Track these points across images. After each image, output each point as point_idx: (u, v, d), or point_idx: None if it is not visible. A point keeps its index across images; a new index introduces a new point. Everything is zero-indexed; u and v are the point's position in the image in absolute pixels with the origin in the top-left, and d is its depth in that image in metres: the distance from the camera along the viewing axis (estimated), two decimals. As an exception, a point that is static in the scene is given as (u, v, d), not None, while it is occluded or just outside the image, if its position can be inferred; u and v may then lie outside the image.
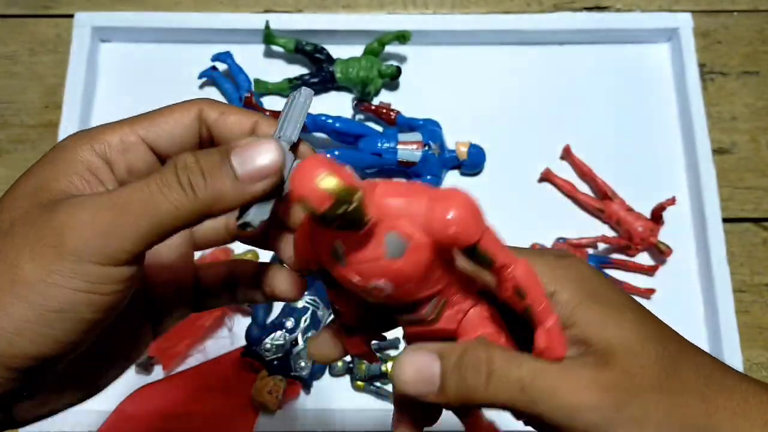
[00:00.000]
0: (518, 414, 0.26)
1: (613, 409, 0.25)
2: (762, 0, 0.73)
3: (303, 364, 0.56)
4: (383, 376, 0.57)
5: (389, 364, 0.57)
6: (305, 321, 0.57)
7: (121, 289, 0.24)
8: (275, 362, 0.55)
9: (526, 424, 0.27)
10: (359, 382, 0.57)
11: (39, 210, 0.24)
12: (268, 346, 0.56)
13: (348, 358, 0.58)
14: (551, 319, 0.26)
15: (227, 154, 0.25)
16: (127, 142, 0.27)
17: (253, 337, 0.56)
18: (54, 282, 0.23)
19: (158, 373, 0.58)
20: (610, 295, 0.28)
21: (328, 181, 0.21)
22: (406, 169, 0.63)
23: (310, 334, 0.57)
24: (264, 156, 0.25)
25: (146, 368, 0.57)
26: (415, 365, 0.26)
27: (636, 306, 0.28)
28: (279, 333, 0.56)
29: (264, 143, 0.25)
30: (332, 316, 0.60)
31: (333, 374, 0.58)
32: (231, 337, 0.59)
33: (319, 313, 0.58)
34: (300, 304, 0.57)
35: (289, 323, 0.56)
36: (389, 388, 0.58)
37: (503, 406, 0.26)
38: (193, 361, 0.58)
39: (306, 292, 0.58)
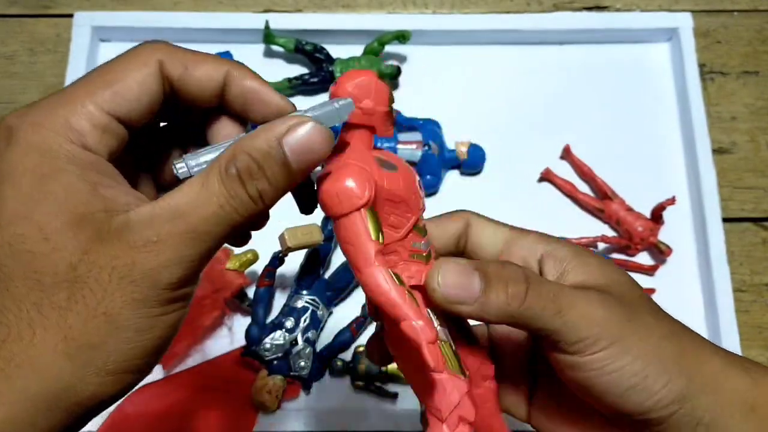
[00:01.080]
0: (538, 333, 0.28)
1: (624, 319, 0.28)
2: (762, 0, 0.73)
3: (303, 364, 0.56)
4: (383, 376, 0.57)
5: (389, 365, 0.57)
6: (305, 321, 0.57)
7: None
8: (275, 362, 0.55)
9: (546, 355, 0.30)
10: (359, 382, 0.57)
11: (104, 246, 0.23)
12: (268, 345, 0.55)
13: (347, 358, 0.58)
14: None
15: (281, 144, 0.24)
16: (100, 125, 0.25)
17: (253, 336, 0.56)
18: (156, 316, 0.24)
19: (158, 373, 0.57)
20: (600, 257, 0.32)
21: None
22: (406, 169, 0.63)
23: (309, 334, 0.57)
24: (317, 144, 0.25)
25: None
26: (457, 269, 0.28)
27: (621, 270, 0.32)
28: (279, 333, 0.56)
29: (311, 130, 0.25)
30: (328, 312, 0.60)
31: (333, 374, 0.58)
32: (231, 337, 0.59)
33: (319, 313, 0.58)
34: (300, 303, 0.57)
35: (289, 323, 0.56)
36: (389, 388, 0.58)
37: (535, 316, 0.28)
38: (192, 361, 0.58)
39: (305, 292, 0.58)
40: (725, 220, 0.63)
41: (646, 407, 0.27)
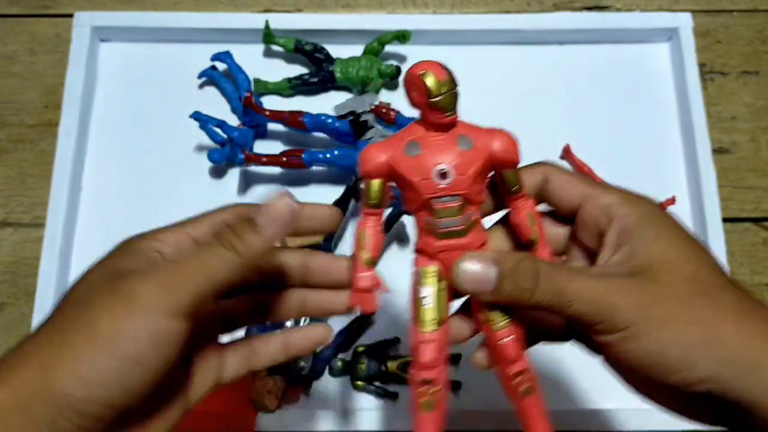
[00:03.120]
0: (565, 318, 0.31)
1: (639, 309, 0.29)
2: (762, 0, 0.73)
3: (303, 364, 0.56)
4: (383, 376, 0.57)
5: (389, 363, 0.57)
6: (305, 320, 0.57)
7: (180, 341, 0.29)
8: (275, 362, 0.55)
9: (575, 333, 0.34)
10: (359, 382, 0.57)
11: (112, 279, 0.29)
12: (268, 346, 0.55)
13: (348, 358, 0.58)
14: (548, 245, 0.34)
15: (252, 215, 0.31)
16: (178, 240, 0.32)
17: (253, 337, 0.56)
18: (128, 335, 0.27)
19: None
20: (676, 226, 0.32)
21: (446, 67, 0.33)
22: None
23: (309, 334, 0.57)
24: (276, 206, 0.31)
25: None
26: (476, 267, 0.32)
27: (697, 244, 0.32)
28: (279, 333, 0.56)
29: (274, 197, 0.31)
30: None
31: (333, 374, 0.58)
32: (231, 338, 0.59)
33: (319, 313, 0.58)
34: (300, 304, 0.57)
35: (289, 323, 0.56)
36: (389, 388, 0.58)
37: (547, 307, 0.31)
38: (192, 361, 0.58)
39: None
40: (725, 220, 0.63)
41: (672, 381, 0.29)
